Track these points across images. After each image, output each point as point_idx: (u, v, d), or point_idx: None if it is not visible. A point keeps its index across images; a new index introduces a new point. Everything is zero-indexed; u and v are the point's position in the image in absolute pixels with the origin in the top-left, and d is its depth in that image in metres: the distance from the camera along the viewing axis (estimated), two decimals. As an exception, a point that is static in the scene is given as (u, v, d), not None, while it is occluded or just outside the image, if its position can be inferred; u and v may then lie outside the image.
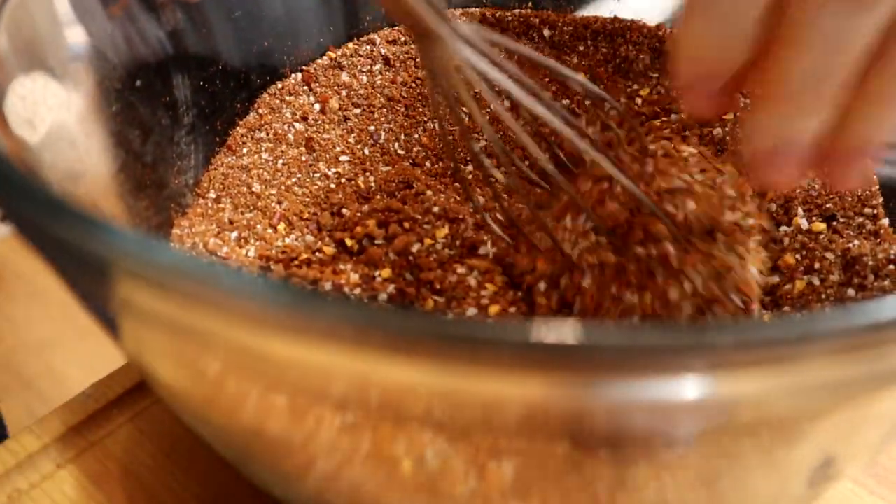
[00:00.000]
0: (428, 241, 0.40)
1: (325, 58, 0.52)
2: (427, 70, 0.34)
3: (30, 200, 0.22)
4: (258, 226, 0.43)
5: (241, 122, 0.48)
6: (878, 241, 0.40)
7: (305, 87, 0.50)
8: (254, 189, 0.45)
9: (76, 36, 0.37)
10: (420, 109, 0.50)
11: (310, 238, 0.42)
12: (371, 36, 0.54)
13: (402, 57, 0.53)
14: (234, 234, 0.42)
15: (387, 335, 0.18)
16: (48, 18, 0.36)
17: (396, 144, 0.48)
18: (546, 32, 0.54)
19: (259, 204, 0.44)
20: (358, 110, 0.50)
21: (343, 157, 0.47)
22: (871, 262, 0.37)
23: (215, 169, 0.46)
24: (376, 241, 0.40)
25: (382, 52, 0.53)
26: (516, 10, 0.55)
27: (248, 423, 0.26)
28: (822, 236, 0.40)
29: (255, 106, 0.49)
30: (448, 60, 0.33)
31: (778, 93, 0.27)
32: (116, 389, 0.38)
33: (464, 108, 0.34)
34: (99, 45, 0.38)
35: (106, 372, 0.40)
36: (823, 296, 0.36)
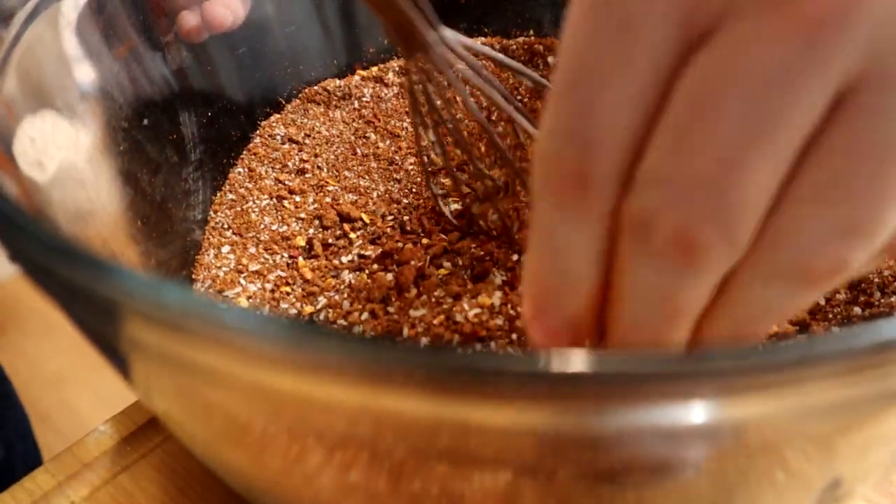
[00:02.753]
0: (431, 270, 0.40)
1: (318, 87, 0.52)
2: (410, 76, 0.37)
3: (36, 243, 0.22)
4: (268, 260, 0.43)
5: (244, 156, 0.49)
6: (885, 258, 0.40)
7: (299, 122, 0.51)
8: (263, 223, 0.45)
9: (83, 77, 0.38)
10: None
11: (309, 271, 0.42)
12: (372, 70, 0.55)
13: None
14: (244, 270, 0.42)
15: (395, 369, 0.19)
16: (56, 61, 0.36)
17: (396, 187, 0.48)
18: (550, 59, 0.54)
19: (265, 238, 0.44)
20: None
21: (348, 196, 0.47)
22: (877, 280, 0.37)
23: (222, 204, 0.46)
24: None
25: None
26: (520, 39, 0.56)
27: (259, 458, 0.26)
28: None
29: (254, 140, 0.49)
30: (433, 65, 0.36)
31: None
32: (129, 426, 0.39)
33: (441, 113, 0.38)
34: (106, 85, 0.39)
35: (119, 405, 0.40)
36: (830, 315, 0.36)
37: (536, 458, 0.22)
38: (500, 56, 0.38)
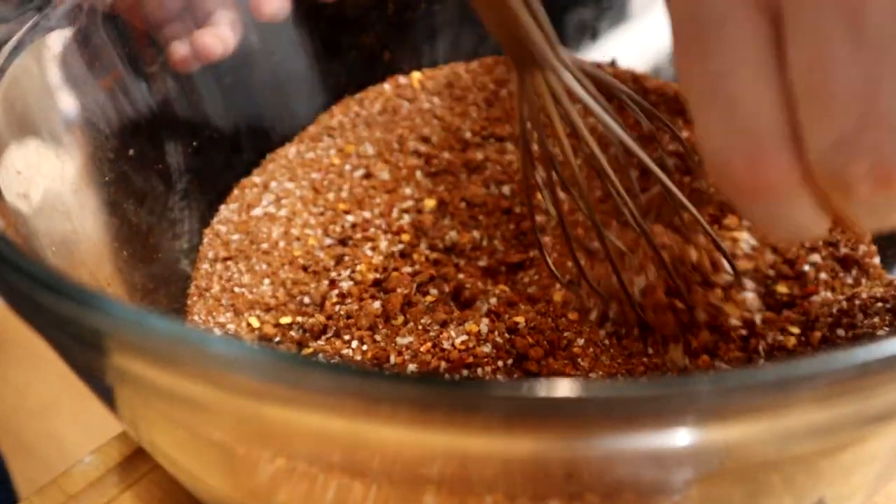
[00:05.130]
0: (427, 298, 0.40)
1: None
2: (521, 98, 0.33)
3: (21, 274, 0.22)
4: (255, 290, 0.43)
5: (235, 186, 0.49)
6: (868, 279, 0.40)
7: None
8: (250, 253, 0.45)
9: (69, 108, 0.38)
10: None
11: (307, 300, 0.42)
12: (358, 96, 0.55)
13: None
14: (231, 300, 0.43)
15: (382, 398, 0.19)
16: (41, 92, 0.37)
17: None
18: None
19: (256, 268, 0.44)
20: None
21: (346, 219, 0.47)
22: (859, 302, 0.37)
23: (210, 234, 0.46)
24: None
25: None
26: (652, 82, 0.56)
27: (246, 487, 0.26)
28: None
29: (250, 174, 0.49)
30: (548, 88, 0.32)
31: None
32: (116, 457, 0.39)
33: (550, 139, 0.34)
34: (91, 116, 0.39)
35: (105, 436, 0.40)
36: (814, 335, 0.37)
37: (524, 484, 0.22)
38: (632, 94, 0.34)
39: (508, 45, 0.32)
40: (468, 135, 0.51)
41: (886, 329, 0.36)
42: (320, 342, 0.39)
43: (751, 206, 0.25)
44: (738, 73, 0.23)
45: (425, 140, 0.51)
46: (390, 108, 0.54)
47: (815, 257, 0.41)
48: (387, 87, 0.56)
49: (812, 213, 0.25)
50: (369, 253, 0.44)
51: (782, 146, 0.24)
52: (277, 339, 0.40)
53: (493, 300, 0.40)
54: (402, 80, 0.56)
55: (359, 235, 0.45)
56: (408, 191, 0.48)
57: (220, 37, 0.47)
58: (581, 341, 0.36)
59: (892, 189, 0.23)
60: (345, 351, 0.38)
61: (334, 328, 0.39)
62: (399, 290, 0.40)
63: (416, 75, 0.56)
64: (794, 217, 0.25)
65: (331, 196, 0.48)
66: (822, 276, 0.40)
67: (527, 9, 0.30)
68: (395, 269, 0.42)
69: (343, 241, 0.45)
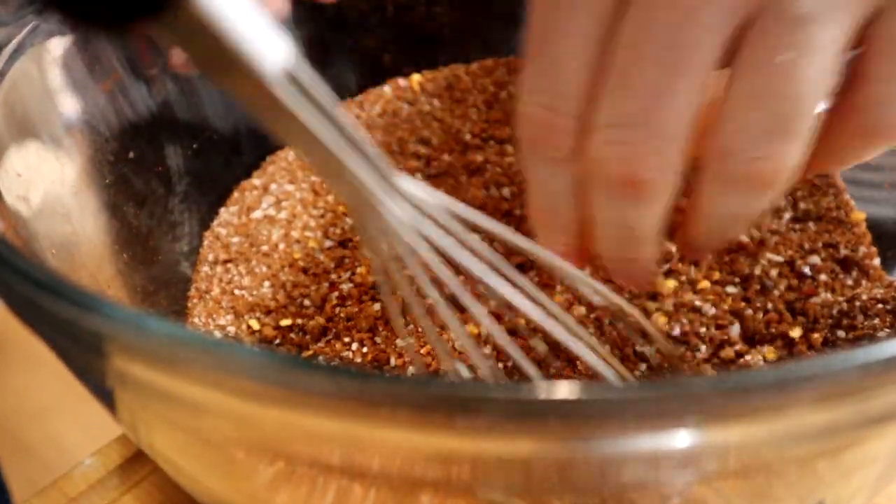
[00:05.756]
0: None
1: None
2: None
3: (21, 277, 0.22)
4: (255, 292, 0.43)
5: (235, 188, 0.49)
6: (867, 280, 0.40)
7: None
8: (250, 256, 0.45)
9: (69, 111, 0.38)
10: None
11: (307, 303, 0.42)
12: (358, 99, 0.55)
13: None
14: (231, 302, 0.43)
15: (381, 400, 0.19)
16: (41, 95, 0.37)
17: None
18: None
19: (256, 271, 0.44)
20: None
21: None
22: (859, 303, 0.37)
23: (210, 236, 0.46)
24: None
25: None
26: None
27: (245, 489, 0.26)
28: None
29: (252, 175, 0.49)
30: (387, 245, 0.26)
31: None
32: (116, 459, 0.39)
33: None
34: (91, 118, 0.39)
35: (105, 438, 0.40)
36: (814, 337, 0.37)
37: (524, 487, 0.22)
38: (505, 232, 0.28)
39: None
40: (468, 137, 0.51)
41: (887, 330, 0.36)
42: (320, 344, 0.39)
43: (530, 159, 0.28)
44: (570, 37, 0.26)
45: (425, 142, 0.51)
46: (390, 111, 0.54)
47: (815, 258, 0.41)
48: (387, 89, 0.56)
49: (568, 194, 0.28)
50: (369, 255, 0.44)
51: (573, 114, 0.26)
52: (277, 341, 0.40)
53: (494, 302, 0.40)
54: (402, 82, 0.56)
55: (359, 237, 0.45)
56: None
57: (274, 6, 0.47)
58: None
59: (632, 192, 0.26)
60: (345, 353, 0.38)
61: (334, 330, 0.39)
62: (399, 293, 0.40)
63: (415, 77, 0.56)
64: (555, 185, 0.28)
65: (331, 198, 0.48)
66: (822, 277, 0.40)
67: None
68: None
69: (343, 244, 0.45)
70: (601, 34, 0.25)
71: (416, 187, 0.26)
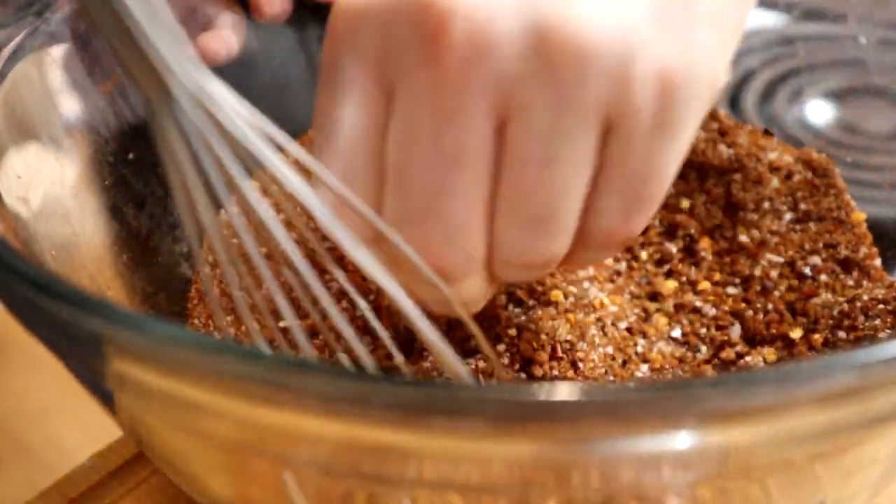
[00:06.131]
0: None
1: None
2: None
3: (20, 278, 0.22)
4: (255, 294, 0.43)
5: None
6: (868, 281, 0.40)
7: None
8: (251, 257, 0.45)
9: (69, 112, 0.38)
10: None
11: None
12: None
13: None
14: (231, 304, 0.42)
15: (378, 402, 0.19)
16: (41, 96, 0.37)
17: None
18: None
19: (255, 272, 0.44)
20: None
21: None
22: (860, 304, 0.37)
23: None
24: None
25: None
26: None
27: (245, 491, 0.26)
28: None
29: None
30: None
31: None
32: (116, 460, 0.38)
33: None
34: (91, 120, 0.39)
35: (106, 439, 0.40)
36: (814, 338, 0.37)
37: (522, 488, 0.22)
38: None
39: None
40: None
41: (888, 331, 0.36)
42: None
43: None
44: (347, 130, 0.26)
45: None
46: None
47: (816, 259, 0.41)
48: None
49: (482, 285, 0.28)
50: None
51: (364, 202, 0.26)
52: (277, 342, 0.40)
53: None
54: None
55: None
56: None
57: (223, 40, 0.47)
58: (583, 345, 0.36)
59: (444, 280, 0.26)
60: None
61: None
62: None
63: None
64: (467, 291, 0.28)
65: None
66: (823, 278, 0.40)
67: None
68: None
69: None
70: (376, 126, 0.26)
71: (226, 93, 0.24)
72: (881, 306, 0.37)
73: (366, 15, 0.25)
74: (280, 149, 0.26)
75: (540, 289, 0.41)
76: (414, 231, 0.26)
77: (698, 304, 0.39)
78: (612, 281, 0.40)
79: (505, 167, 0.25)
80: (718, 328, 0.38)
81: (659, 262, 0.41)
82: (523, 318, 0.38)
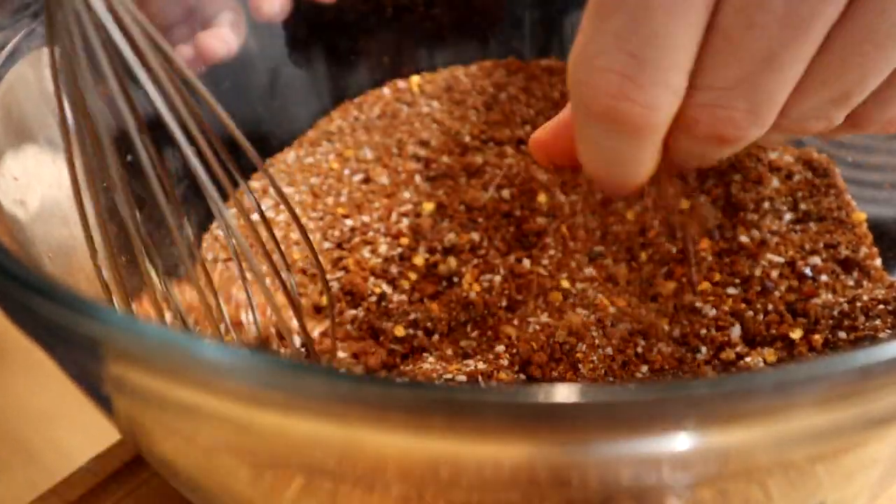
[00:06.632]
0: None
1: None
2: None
3: (17, 281, 0.22)
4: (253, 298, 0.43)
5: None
6: (869, 281, 0.40)
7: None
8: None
9: (66, 115, 0.38)
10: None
11: (305, 303, 0.42)
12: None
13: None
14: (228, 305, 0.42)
15: (376, 404, 0.19)
16: (38, 98, 0.37)
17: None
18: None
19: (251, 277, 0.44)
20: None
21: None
22: (860, 304, 0.37)
23: (209, 238, 0.46)
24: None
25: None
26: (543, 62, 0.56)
27: (243, 493, 0.26)
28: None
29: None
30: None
31: None
32: (115, 463, 0.38)
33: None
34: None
35: (107, 441, 0.40)
36: (815, 339, 0.37)
37: (521, 490, 0.22)
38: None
39: None
40: (467, 139, 0.51)
41: (888, 331, 0.36)
42: (320, 346, 0.39)
43: (588, 127, 0.27)
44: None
45: (424, 144, 0.51)
46: (389, 113, 0.54)
47: (816, 259, 0.41)
48: (386, 91, 0.56)
49: (638, 161, 0.28)
50: (368, 256, 0.44)
51: (665, 88, 0.25)
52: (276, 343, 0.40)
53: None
54: (401, 84, 0.56)
55: (357, 239, 0.45)
56: (406, 195, 0.48)
57: (222, 38, 0.47)
58: (583, 346, 0.36)
59: (718, 145, 0.27)
60: (342, 355, 0.38)
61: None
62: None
63: (415, 79, 0.56)
64: (619, 155, 0.27)
65: (329, 200, 0.48)
66: (823, 278, 0.40)
67: None
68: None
69: (341, 245, 0.45)
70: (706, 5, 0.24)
71: None
72: (881, 306, 0.37)
73: None
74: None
75: (540, 290, 0.40)
76: (720, 98, 0.25)
77: (698, 304, 0.39)
78: (611, 281, 0.40)
79: (834, 42, 0.25)
80: (718, 329, 0.38)
81: (659, 263, 0.41)
82: (523, 318, 0.38)
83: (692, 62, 0.25)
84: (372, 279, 0.42)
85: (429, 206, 0.46)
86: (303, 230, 0.34)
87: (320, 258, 0.44)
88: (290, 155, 0.52)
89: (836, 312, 0.37)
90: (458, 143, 0.51)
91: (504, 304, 0.40)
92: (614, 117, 0.25)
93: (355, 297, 0.41)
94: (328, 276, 0.43)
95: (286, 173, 0.51)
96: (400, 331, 0.39)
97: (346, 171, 0.50)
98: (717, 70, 0.25)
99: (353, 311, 0.41)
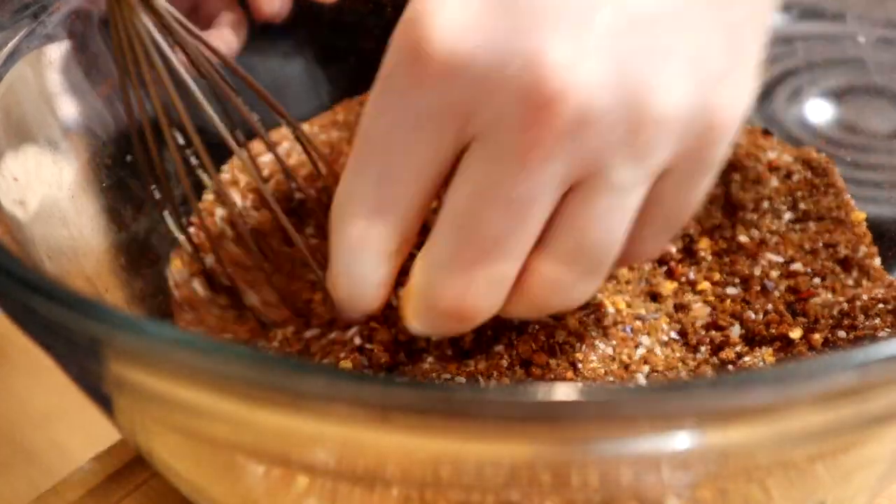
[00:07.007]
0: None
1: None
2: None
3: (17, 281, 0.22)
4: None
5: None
6: (868, 280, 0.40)
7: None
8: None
9: (66, 114, 0.38)
10: None
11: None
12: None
13: None
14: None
15: (378, 403, 0.19)
16: (38, 98, 0.37)
17: None
18: None
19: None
20: None
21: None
22: (860, 303, 0.37)
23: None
24: None
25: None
26: None
27: (245, 494, 0.26)
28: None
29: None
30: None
31: None
32: (115, 463, 0.38)
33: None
34: (89, 122, 0.39)
35: (107, 442, 0.40)
36: (815, 338, 0.37)
37: (521, 490, 0.22)
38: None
39: None
40: None
41: (887, 330, 0.36)
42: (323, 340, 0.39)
43: (338, 252, 0.30)
44: (405, 155, 0.27)
45: None
46: None
47: (815, 259, 0.41)
48: None
49: (377, 287, 0.30)
50: None
51: (398, 223, 0.28)
52: (276, 343, 0.40)
53: None
54: None
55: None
56: None
57: (224, 39, 0.47)
58: (583, 346, 0.36)
59: (458, 321, 0.29)
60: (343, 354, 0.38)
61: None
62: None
63: None
64: (362, 279, 0.30)
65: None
66: (823, 277, 0.40)
67: None
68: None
69: None
70: (439, 169, 0.27)
71: None
72: (881, 306, 0.37)
73: (469, 66, 0.25)
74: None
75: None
76: (457, 277, 0.27)
77: (698, 304, 0.39)
78: (611, 281, 0.40)
79: (563, 224, 0.27)
80: (718, 328, 0.38)
81: (658, 263, 0.41)
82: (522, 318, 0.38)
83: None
84: None
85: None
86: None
87: (320, 255, 0.44)
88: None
89: (835, 312, 0.37)
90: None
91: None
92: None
93: None
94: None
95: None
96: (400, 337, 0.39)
97: None
98: (452, 247, 0.27)
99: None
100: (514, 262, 0.27)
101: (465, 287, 0.27)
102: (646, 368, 0.36)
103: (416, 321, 0.29)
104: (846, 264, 0.41)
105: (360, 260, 0.29)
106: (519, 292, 0.28)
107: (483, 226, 0.26)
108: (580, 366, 0.35)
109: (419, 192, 0.28)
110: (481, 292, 0.27)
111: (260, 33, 0.50)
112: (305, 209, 0.45)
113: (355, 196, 0.28)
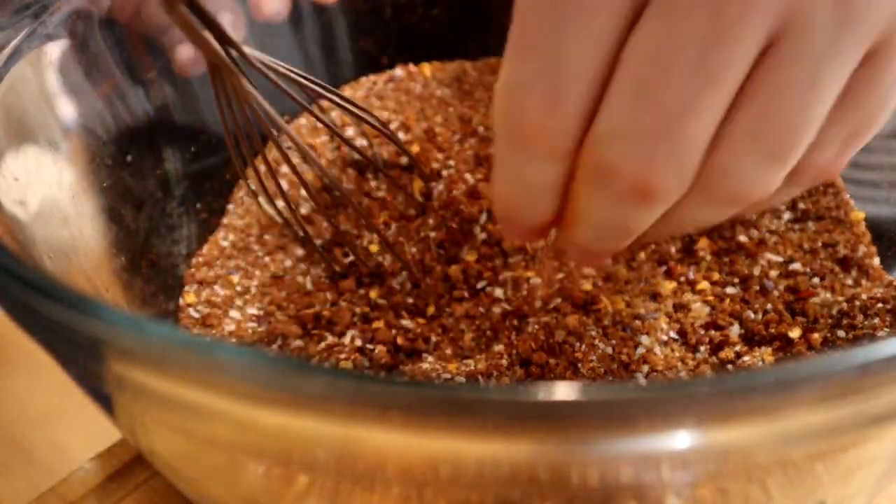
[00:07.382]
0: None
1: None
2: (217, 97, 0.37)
3: (17, 281, 0.22)
4: (251, 293, 0.43)
5: (235, 189, 0.49)
6: (867, 280, 0.40)
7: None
8: (243, 260, 0.45)
9: (66, 114, 0.38)
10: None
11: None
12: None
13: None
14: (232, 304, 0.42)
15: (378, 403, 0.19)
16: (38, 98, 0.37)
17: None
18: None
19: (251, 272, 0.44)
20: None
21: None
22: (859, 303, 0.37)
23: (208, 239, 0.46)
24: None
25: None
26: None
27: (245, 493, 0.26)
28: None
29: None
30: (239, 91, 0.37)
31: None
32: (115, 463, 0.38)
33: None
34: (89, 122, 0.39)
35: (108, 442, 0.40)
36: (814, 337, 0.37)
37: (521, 489, 0.22)
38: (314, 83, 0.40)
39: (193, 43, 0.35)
40: (481, 129, 0.50)
41: (887, 330, 0.36)
42: (321, 345, 0.39)
43: (514, 153, 0.26)
44: (583, 32, 0.24)
45: (440, 124, 0.51)
46: (403, 88, 0.54)
47: (815, 258, 0.41)
48: (399, 72, 0.56)
49: (552, 189, 0.27)
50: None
51: (576, 111, 0.25)
52: (277, 343, 0.40)
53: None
54: (412, 67, 0.56)
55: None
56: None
57: None
58: (582, 346, 0.36)
59: (641, 200, 0.25)
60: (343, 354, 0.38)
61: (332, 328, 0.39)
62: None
63: (426, 65, 0.56)
64: (535, 181, 0.27)
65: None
66: (822, 277, 0.40)
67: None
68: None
69: (340, 246, 0.45)
70: (617, 35, 0.24)
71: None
72: (880, 305, 0.37)
73: None
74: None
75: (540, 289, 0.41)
76: (646, 146, 0.24)
77: (697, 304, 0.39)
78: (610, 281, 0.40)
79: (755, 93, 0.24)
80: (717, 328, 0.38)
81: (658, 262, 0.41)
82: (522, 318, 0.38)
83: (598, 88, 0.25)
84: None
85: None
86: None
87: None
88: (301, 120, 0.52)
89: (834, 311, 0.38)
90: (474, 134, 0.50)
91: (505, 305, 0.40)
92: (526, 142, 0.26)
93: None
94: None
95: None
96: (400, 338, 0.39)
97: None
98: (635, 115, 0.24)
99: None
100: (703, 128, 0.24)
101: (650, 156, 0.24)
102: (645, 368, 0.36)
103: (589, 208, 0.27)
104: (845, 264, 0.41)
105: (532, 159, 0.26)
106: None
107: (670, 89, 0.23)
108: (580, 365, 0.35)
109: (597, 68, 0.24)
110: (669, 162, 0.24)
111: (260, 33, 0.50)
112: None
113: (522, 83, 0.25)
